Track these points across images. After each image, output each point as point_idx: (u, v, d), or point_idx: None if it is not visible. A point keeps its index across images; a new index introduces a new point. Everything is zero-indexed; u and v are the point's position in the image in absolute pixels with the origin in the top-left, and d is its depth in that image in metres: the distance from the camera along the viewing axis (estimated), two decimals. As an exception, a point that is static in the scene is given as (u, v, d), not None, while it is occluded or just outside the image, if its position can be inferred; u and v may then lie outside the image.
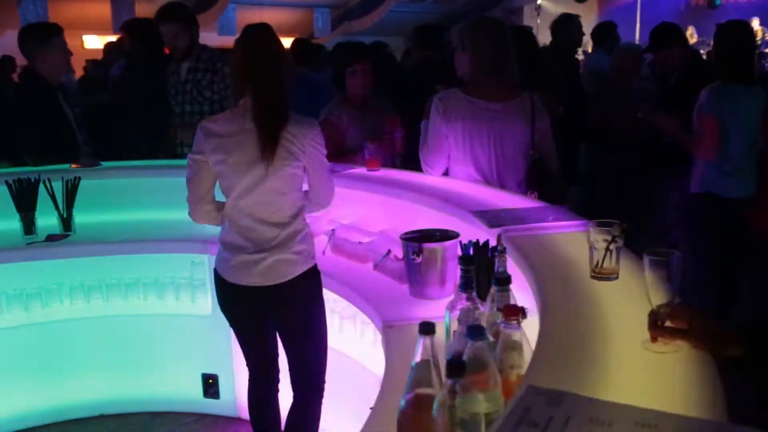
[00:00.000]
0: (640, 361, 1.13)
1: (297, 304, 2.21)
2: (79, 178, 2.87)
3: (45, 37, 3.25)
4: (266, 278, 2.13)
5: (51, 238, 2.78)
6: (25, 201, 2.77)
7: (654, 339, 1.18)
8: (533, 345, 1.23)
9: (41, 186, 2.79)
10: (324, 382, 2.32)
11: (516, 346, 1.21)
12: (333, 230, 2.61)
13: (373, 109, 3.32)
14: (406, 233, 2.10)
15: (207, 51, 3.60)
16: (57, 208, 2.82)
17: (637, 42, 8.89)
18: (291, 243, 2.14)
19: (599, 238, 1.48)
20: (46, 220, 2.82)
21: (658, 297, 1.20)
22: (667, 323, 1.18)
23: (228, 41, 13.71)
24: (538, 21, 11.60)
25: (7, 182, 2.75)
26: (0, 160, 3.22)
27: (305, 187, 2.25)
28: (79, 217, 2.88)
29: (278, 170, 2.07)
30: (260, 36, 2.09)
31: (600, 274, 1.49)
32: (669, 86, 3.79)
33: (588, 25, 5.16)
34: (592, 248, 1.50)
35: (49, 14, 9.70)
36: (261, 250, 2.12)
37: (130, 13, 10.76)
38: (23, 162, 3.19)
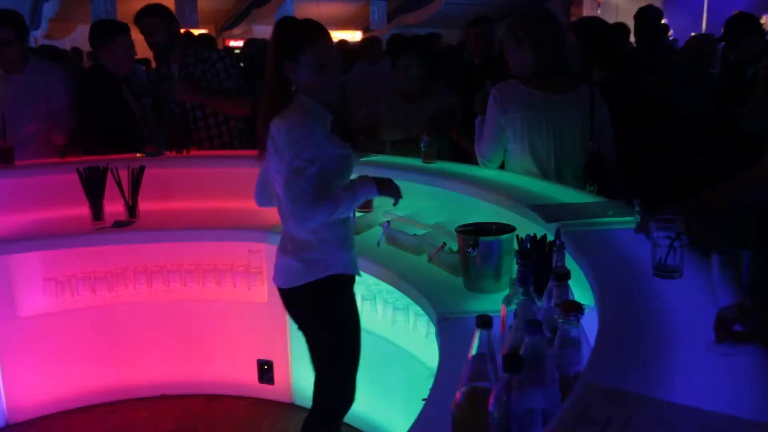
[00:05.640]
0: (705, 362, 1.09)
1: (300, 317, 2.11)
2: (144, 167, 2.98)
3: (109, 36, 3.39)
4: (278, 280, 2.11)
5: (117, 225, 2.90)
6: (94, 188, 2.89)
7: (720, 341, 1.13)
8: (592, 342, 1.21)
9: (109, 174, 2.91)
10: (332, 412, 2.12)
11: (574, 343, 1.19)
12: (388, 222, 2.62)
13: (428, 102, 3.31)
14: (462, 226, 2.09)
15: (192, 45, 3.63)
16: (123, 195, 2.93)
17: (703, 32, 8.54)
18: (298, 248, 2.03)
19: (662, 235, 1.43)
20: (113, 206, 2.93)
21: (726, 298, 1.16)
22: (737, 326, 1.13)
23: (285, 34, 13.85)
24: (599, 11, 11.29)
25: (77, 170, 2.88)
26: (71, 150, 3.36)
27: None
28: (144, 205, 2.98)
29: (265, 165, 2.05)
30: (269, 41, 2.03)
31: (663, 271, 1.45)
32: (748, 78, 3.60)
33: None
34: (654, 245, 1.45)
35: (117, 9, 10.04)
36: (282, 250, 2.11)
37: (194, 7, 11.03)
38: (92, 151, 3.34)
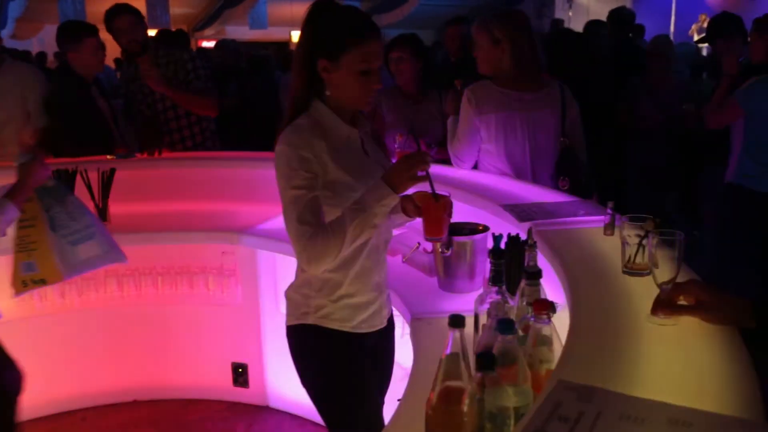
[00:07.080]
0: (673, 357, 1.11)
1: (293, 357, 1.78)
2: (114, 169, 2.93)
3: (77, 37, 3.33)
4: None
5: (87, 228, 2.84)
6: (62, 191, 2.83)
7: (655, 312, 1.23)
8: (563, 340, 1.22)
9: (78, 177, 2.86)
10: None
11: (546, 341, 1.21)
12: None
13: (419, 101, 3.31)
14: (436, 226, 2.09)
15: (161, 45, 3.58)
16: (93, 198, 2.88)
17: (671, 34, 8.70)
18: (293, 282, 1.75)
19: (632, 233, 1.46)
20: (83, 210, 2.88)
21: (664, 275, 1.24)
22: (681, 300, 1.22)
23: (259, 35, 13.80)
24: (570, 13, 11.43)
25: (45, 173, 2.81)
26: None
27: None
28: (114, 208, 2.94)
29: None
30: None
31: (632, 269, 1.47)
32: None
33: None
34: (624, 243, 1.48)
35: (86, 8, 9.86)
36: None
37: (165, 7, 10.90)
38: (61, 153, 3.27)
